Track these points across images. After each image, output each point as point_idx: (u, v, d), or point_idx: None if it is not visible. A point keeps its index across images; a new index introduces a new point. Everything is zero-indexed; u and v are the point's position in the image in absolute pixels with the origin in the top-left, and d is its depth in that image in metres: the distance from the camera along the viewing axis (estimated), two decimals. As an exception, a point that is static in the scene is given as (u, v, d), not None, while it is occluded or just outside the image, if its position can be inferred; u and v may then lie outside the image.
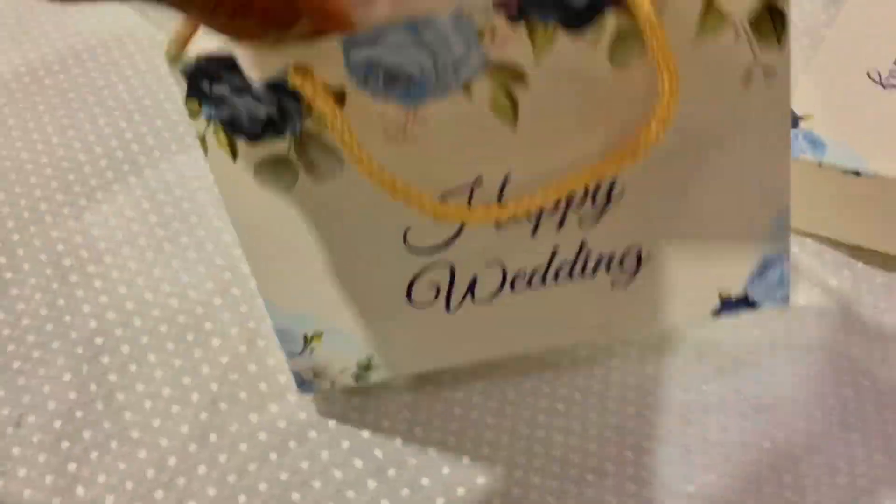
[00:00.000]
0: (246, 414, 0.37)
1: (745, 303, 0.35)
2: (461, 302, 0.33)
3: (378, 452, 0.36)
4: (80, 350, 0.39)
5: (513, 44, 0.26)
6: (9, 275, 0.42)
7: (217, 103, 0.27)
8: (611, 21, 0.26)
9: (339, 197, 0.30)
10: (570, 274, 0.33)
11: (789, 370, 0.37)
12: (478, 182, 0.30)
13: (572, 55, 0.27)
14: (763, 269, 0.33)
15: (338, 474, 0.35)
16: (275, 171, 0.29)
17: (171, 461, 0.36)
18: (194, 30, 0.26)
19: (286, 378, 0.37)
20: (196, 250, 0.42)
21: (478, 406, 0.37)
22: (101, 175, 0.46)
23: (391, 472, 0.35)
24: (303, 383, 0.36)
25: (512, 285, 0.33)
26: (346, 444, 0.36)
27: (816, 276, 0.39)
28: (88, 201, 0.45)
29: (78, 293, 0.41)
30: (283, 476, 0.35)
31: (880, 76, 0.39)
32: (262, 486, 0.35)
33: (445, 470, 0.35)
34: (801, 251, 0.40)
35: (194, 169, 0.46)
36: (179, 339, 0.40)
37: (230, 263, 0.42)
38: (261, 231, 0.31)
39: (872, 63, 0.40)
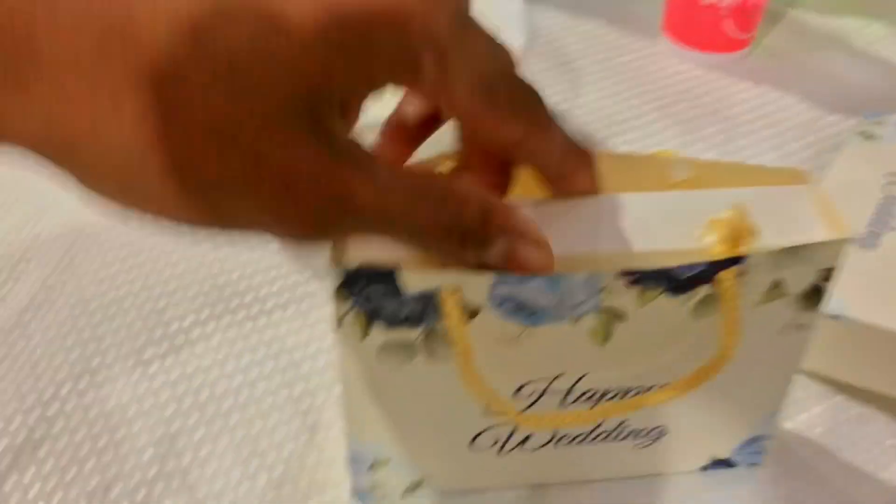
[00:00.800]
0: (305, 500, 0.42)
1: (726, 463, 0.42)
2: (512, 449, 0.39)
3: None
4: (159, 431, 0.44)
5: (624, 297, 0.32)
6: (96, 362, 0.47)
7: (364, 299, 0.32)
8: (702, 290, 0.33)
9: (443, 376, 0.35)
10: (605, 439, 0.40)
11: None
12: (559, 377, 0.36)
13: (666, 307, 0.33)
14: (750, 443, 0.41)
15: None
16: (397, 351, 0.34)
17: (242, 534, 0.41)
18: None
19: (341, 470, 0.42)
20: (266, 347, 0.48)
21: None
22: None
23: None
24: (360, 493, 0.41)
25: (556, 444, 0.39)
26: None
27: (801, 404, 0.46)
28: (168, 300, 0.51)
29: (159, 378, 0.47)
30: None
31: (860, 238, 0.47)
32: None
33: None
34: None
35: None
36: (248, 426, 0.45)
37: (296, 361, 0.48)
38: (363, 386, 0.36)
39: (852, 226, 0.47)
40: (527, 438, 0.39)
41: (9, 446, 0.43)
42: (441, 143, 0.34)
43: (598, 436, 0.39)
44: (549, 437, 0.39)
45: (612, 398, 0.37)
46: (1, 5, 0.22)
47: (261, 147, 0.23)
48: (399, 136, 0.34)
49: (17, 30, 0.22)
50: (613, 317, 0.33)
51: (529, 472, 0.41)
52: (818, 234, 0.33)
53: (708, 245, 0.32)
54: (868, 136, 0.54)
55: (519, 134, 0.29)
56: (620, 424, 0.39)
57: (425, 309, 0.32)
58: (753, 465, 0.43)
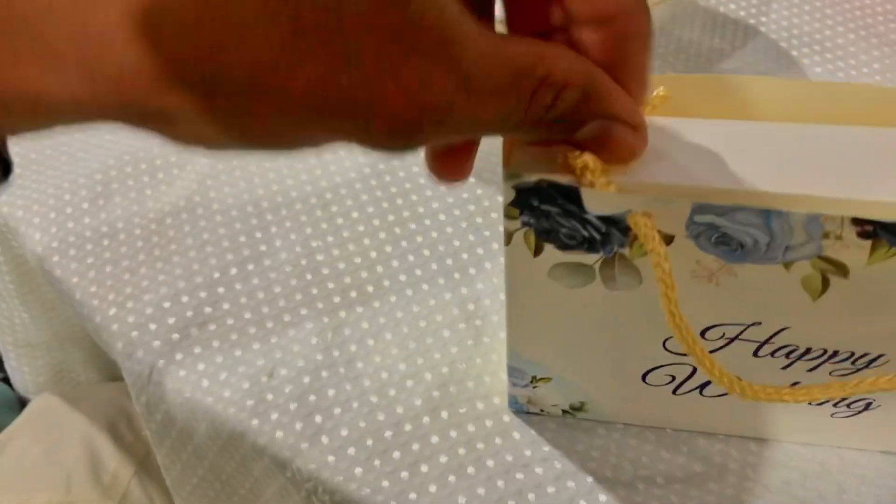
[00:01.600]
0: (473, 400, 0.40)
1: None
2: (689, 392, 0.36)
3: (576, 459, 0.39)
4: (325, 319, 0.43)
5: (851, 250, 0.27)
6: (263, 247, 0.47)
7: (539, 216, 0.29)
8: None
9: (622, 304, 0.31)
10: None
11: None
12: (755, 325, 0.31)
13: None
14: None
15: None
16: (572, 273, 0.31)
17: (407, 427, 0.39)
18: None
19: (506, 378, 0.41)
20: (429, 249, 0.47)
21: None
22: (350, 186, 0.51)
23: (589, 478, 0.38)
24: (515, 404, 0.39)
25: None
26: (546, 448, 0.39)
27: None
28: (334, 195, 0.50)
29: (324, 270, 0.46)
30: (509, 458, 0.38)
31: None
32: (490, 462, 0.38)
33: (640, 486, 0.38)
34: None
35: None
36: (413, 325, 0.43)
37: (460, 266, 0.46)
38: (530, 304, 0.33)
39: None
40: (706, 384, 0.35)
41: (178, 321, 0.43)
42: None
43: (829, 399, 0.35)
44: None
45: (815, 360, 0.32)
46: None
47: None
48: None
49: None
50: (835, 269, 0.28)
51: (704, 419, 0.38)
52: None
53: None
54: None
55: None
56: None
57: (608, 233, 0.28)
58: None
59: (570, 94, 0.24)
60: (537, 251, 0.30)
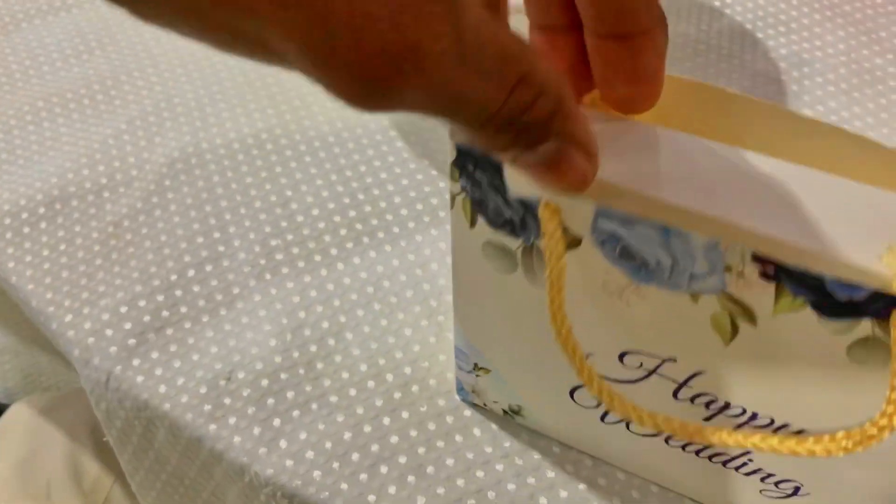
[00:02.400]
0: (435, 398, 0.40)
1: None
2: (616, 423, 0.34)
3: (537, 454, 0.38)
4: (284, 321, 0.43)
5: (755, 292, 0.25)
6: (221, 248, 0.46)
7: (473, 183, 0.28)
8: (865, 326, 0.24)
9: (543, 303, 0.30)
10: (725, 464, 0.33)
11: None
12: (671, 361, 0.30)
13: (811, 329, 0.25)
14: None
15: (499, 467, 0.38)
16: (499, 255, 0.30)
17: (367, 428, 0.39)
18: None
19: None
20: (391, 245, 0.46)
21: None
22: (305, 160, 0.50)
23: (550, 473, 0.38)
24: (462, 391, 0.39)
25: (667, 440, 0.33)
26: (507, 444, 0.39)
27: None
28: (294, 192, 0.49)
29: (283, 270, 0.45)
30: (469, 455, 0.38)
31: None
32: (450, 461, 0.38)
33: (601, 481, 0.37)
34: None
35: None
36: (374, 324, 0.43)
37: (422, 262, 0.45)
38: (471, 282, 0.32)
39: None
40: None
41: (135, 326, 0.43)
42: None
43: (716, 455, 0.33)
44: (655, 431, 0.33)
45: (735, 418, 0.30)
46: None
47: None
48: None
49: None
50: (741, 312, 0.26)
51: (632, 459, 0.36)
52: None
53: (886, 271, 0.23)
54: None
55: None
56: (744, 454, 0.32)
57: (525, 218, 0.28)
58: None
59: (546, 101, 0.22)
60: (473, 222, 0.30)
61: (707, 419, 0.31)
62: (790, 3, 0.58)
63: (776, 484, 0.32)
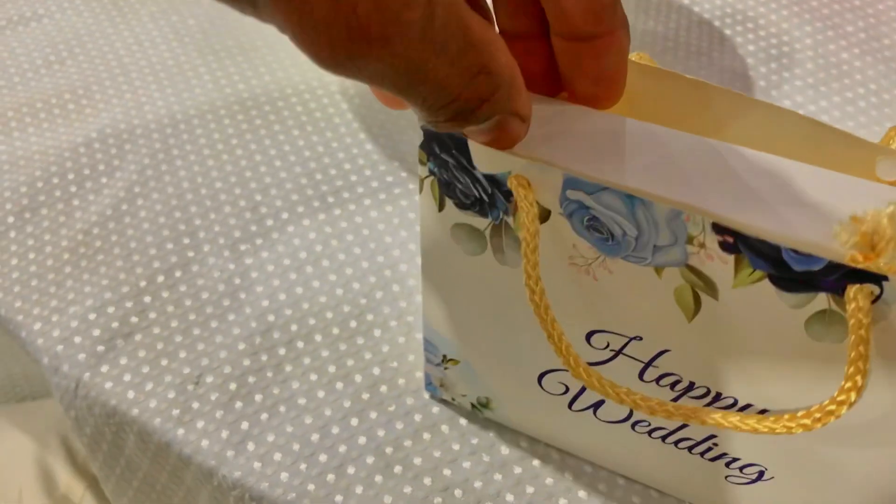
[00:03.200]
0: (403, 397, 0.40)
1: None
2: (584, 410, 0.34)
3: (504, 450, 0.38)
4: (253, 324, 0.43)
5: (716, 264, 0.26)
6: (191, 254, 0.46)
7: (440, 165, 0.29)
8: (821, 300, 0.25)
9: (512, 282, 0.30)
10: (691, 450, 0.33)
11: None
12: (637, 339, 0.30)
13: (770, 302, 0.25)
14: None
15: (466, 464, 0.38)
16: (468, 236, 0.30)
17: (335, 430, 0.39)
18: None
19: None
20: (360, 247, 0.46)
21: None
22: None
23: (517, 469, 0.38)
24: (430, 386, 0.39)
25: (633, 426, 0.33)
26: (475, 441, 0.39)
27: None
28: (263, 196, 0.49)
29: (252, 274, 0.45)
30: (437, 454, 0.38)
31: None
32: (417, 460, 0.38)
33: (568, 476, 0.37)
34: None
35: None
36: (343, 325, 0.43)
37: (391, 262, 0.45)
38: (440, 268, 0.33)
39: None
40: (600, 403, 0.33)
41: (103, 333, 0.43)
42: None
43: (682, 441, 0.33)
44: (625, 414, 0.33)
45: (701, 399, 0.30)
46: None
47: None
48: None
49: None
50: (703, 285, 0.26)
51: (598, 449, 0.36)
52: None
53: (838, 246, 0.23)
54: None
55: None
56: (709, 439, 0.32)
57: (493, 195, 0.28)
58: None
59: (501, 94, 0.23)
60: (441, 205, 0.30)
61: (673, 400, 0.31)
62: (758, 0, 0.59)
63: (741, 469, 0.32)
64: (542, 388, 0.34)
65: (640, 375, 0.31)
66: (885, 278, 0.23)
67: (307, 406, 0.40)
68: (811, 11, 0.58)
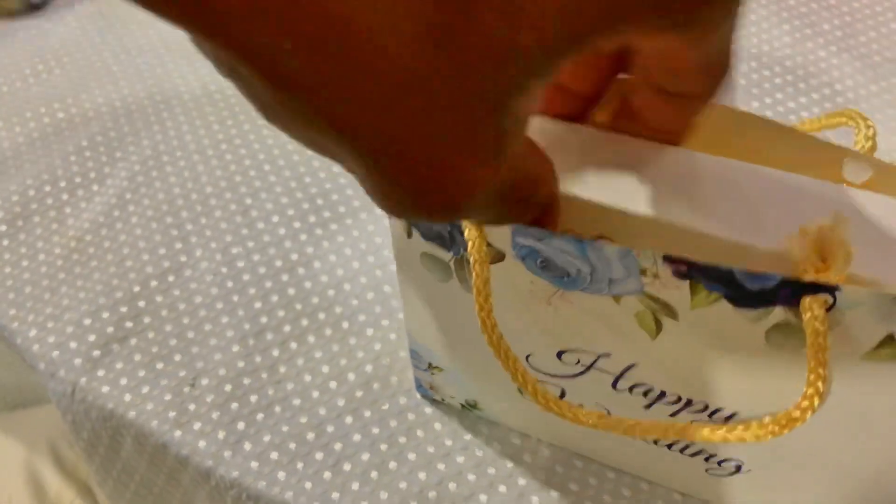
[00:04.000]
0: (396, 396, 0.41)
1: None
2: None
3: (497, 444, 0.39)
4: (246, 326, 0.44)
5: (672, 290, 0.26)
6: (183, 258, 0.47)
7: None
8: (778, 312, 0.25)
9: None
10: (670, 447, 0.34)
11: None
12: (605, 356, 0.30)
13: (729, 319, 0.26)
14: None
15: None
16: (435, 266, 0.31)
17: (330, 428, 0.40)
18: None
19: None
20: (351, 248, 0.47)
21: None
22: (265, 178, 0.51)
23: (509, 463, 0.38)
24: (421, 388, 0.40)
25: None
26: (467, 436, 0.40)
27: None
28: (253, 200, 0.50)
29: (244, 277, 0.46)
30: (430, 449, 0.39)
31: None
32: (411, 456, 0.38)
33: (559, 469, 0.38)
34: None
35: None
36: (336, 326, 0.44)
37: (381, 263, 0.46)
38: (414, 287, 0.33)
39: None
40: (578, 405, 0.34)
41: (99, 338, 0.43)
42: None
43: (659, 439, 0.33)
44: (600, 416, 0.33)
45: (673, 405, 0.31)
46: None
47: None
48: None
49: None
50: (661, 309, 0.27)
51: (580, 442, 0.38)
52: None
53: (792, 255, 0.24)
54: None
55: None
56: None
57: (453, 233, 0.29)
58: None
59: (538, 209, 0.25)
60: (409, 233, 0.30)
61: (647, 406, 0.32)
62: (736, 0, 0.60)
63: (719, 463, 0.33)
64: (522, 393, 0.35)
65: (614, 385, 0.32)
66: (838, 288, 0.24)
67: (302, 406, 0.40)
68: (789, 10, 0.59)
